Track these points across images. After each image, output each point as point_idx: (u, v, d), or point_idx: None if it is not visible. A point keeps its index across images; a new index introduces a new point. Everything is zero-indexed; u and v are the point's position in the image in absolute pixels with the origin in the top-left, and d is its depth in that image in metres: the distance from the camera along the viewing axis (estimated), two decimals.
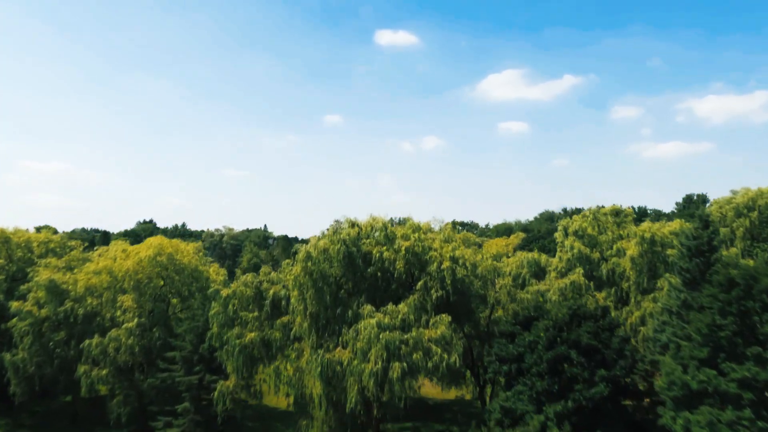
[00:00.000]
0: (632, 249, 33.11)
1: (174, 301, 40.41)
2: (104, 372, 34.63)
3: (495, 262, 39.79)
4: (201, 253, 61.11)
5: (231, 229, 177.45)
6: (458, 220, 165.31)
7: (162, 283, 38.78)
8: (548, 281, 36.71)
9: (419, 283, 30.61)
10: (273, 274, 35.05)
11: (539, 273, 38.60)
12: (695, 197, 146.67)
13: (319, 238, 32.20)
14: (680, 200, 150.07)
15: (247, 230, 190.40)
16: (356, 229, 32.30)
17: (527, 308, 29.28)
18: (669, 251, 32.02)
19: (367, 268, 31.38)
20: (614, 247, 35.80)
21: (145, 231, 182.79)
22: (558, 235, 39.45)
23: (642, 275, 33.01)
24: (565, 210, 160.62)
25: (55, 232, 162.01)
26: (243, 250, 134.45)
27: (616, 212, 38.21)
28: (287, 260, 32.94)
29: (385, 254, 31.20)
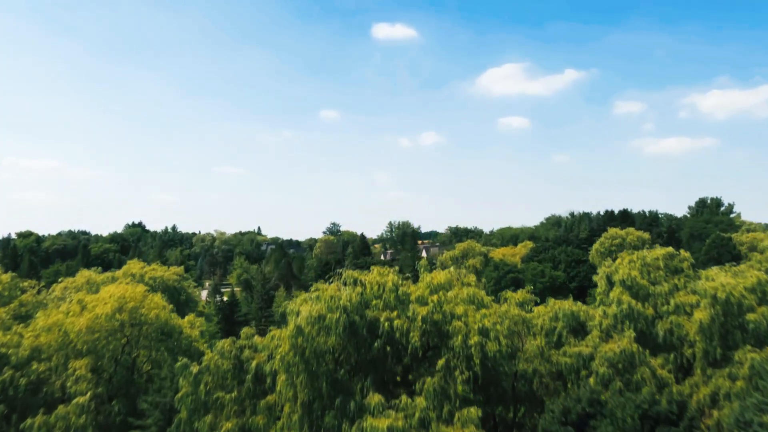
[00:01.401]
0: (702, 312, 26.80)
1: (142, 353, 33.96)
2: None
3: (522, 312, 33.57)
4: (182, 287, 54.67)
5: (222, 233, 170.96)
6: (461, 225, 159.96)
7: (125, 340, 32.31)
8: (590, 341, 30.37)
9: (440, 362, 24.26)
10: (257, 339, 28.71)
11: (577, 328, 32.32)
12: (709, 200, 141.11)
13: (312, 302, 25.77)
14: (692, 203, 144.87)
15: (240, 233, 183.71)
16: (359, 288, 25.85)
17: (580, 400, 22.90)
18: (749, 316, 25.72)
19: (373, 341, 24.99)
20: (671, 301, 29.47)
21: (132, 235, 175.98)
22: (599, 283, 33.10)
23: (713, 343, 26.73)
24: (572, 214, 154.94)
25: (38, 239, 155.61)
26: (233, 261, 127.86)
27: (670, 256, 31.85)
28: (273, 331, 26.47)
29: (396, 322, 24.82)
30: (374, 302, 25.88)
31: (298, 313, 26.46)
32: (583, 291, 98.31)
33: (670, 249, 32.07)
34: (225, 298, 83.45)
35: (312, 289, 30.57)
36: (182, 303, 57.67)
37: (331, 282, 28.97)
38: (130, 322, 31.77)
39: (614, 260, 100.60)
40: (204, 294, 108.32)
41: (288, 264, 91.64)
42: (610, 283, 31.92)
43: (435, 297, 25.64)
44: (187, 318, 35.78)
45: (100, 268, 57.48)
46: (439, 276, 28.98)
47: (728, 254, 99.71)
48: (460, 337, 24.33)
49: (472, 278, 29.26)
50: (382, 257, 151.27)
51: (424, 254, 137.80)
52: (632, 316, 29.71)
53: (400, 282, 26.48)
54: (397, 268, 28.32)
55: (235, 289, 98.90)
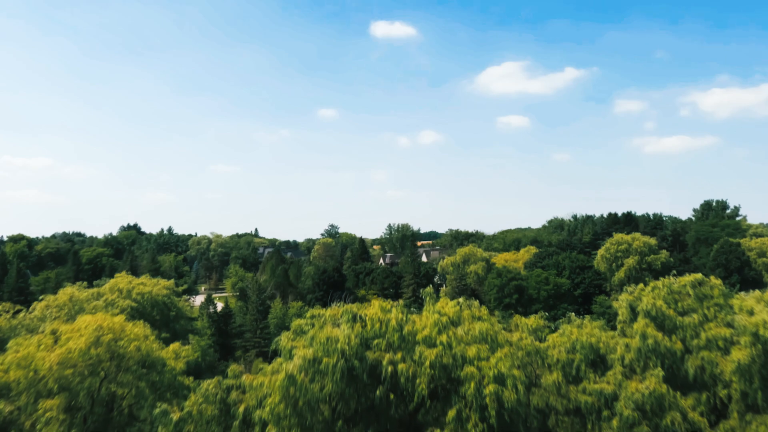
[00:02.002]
0: (741, 351, 24.13)
1: (122, 389, 31.18)
2: None
3: (536, 342, 30.94)
4: (173, 299, 51.84)
5: (219, 236, 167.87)
6: (462, 229, 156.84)
7: (103, 374, 29.54)
8: (612, 378, 27.73)
9: (450, 413, 21.57)
10: (245, 378, 25.96)
11: (597, 361, 29.66)
12: (714, 203, 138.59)
13: (307, 344, 23.06)
14: (694, 203, 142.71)
15: (237, 235, 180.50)
16: (359, 327, 23.11)
17: None
18: None
19: (375, 387, 22.26)
20: (702, 335, 26.76)
21: (127, 238, 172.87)
22: (620, 311, 30.40)
23: (753, 386, 24.07)
24: (575, 217, 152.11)
25: (30, 243, 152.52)
26: (229, 265, 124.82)
27: (699, 283, 29.15)
28: (261, 377, 23.70)
29: (401, 367, 22.13)
30: (376, 342, 23.18)
31: (291, 353, 23.93)
32: (588, 298, 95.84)
33: (699, 275, 29.35)
34: (220, 305, 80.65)
35: (308, 315, 28.03)
36: (172, 319, 54.90)
37: (330, 306, 26.59)
38: (107, 356, 29.00)
39: (620, 266, 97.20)
40: (199, 299, 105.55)
41: (284, 271, 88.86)
42: (633, 313, 29.24)
43: (444, 337, 22.91)
44: (171, 347, 32.99)
45: (85, 283, 54.56)
46: (447, 307, 26.31)
47: (737, 261, 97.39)
48: (473, 385, 21.62)
49: (485, 311, 26.55)
50: (381, 261, 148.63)
51: (424, 258, 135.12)
52: (659, 351, 27.03)
53: (404, 319, 23.75)
54: (401, 302, 25.65)
55: (229, 297, 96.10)
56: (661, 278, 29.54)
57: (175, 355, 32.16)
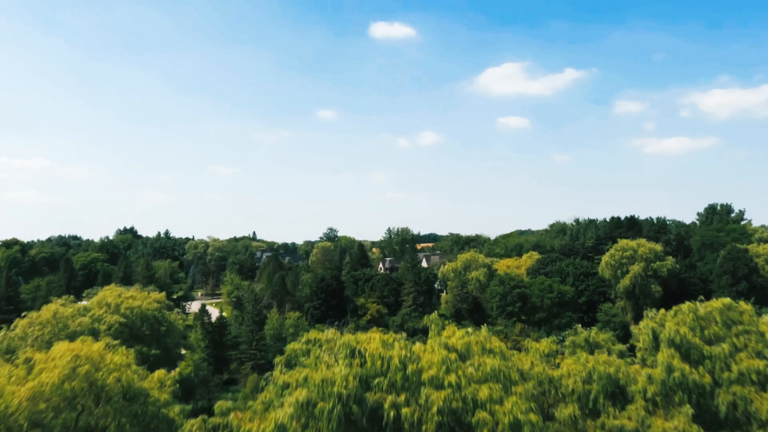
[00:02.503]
0: None
1: (101, 423, 28.85)
2: None
3: (549, 369, 28.68)
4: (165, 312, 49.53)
5: (216, 240, 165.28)
6: (463, 234, 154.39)
7: (80, 408, 27.22)
8: (634, 413, 25.43)
9: None
10: (233, 417, 23.66)
11: (615, 392, 27.36)
12: (719, 207, 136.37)
13: (301, 380, 20.77)
14: (697, 205, 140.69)
15: (234, 239, 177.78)
16: (357, 365, 20.84)
17: None
18: None
19: None
20: (734, 367, 24.49)
21: (123, 242, 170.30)
22: (641, 338, 28.15)
23: None
24: (577, 221, 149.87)
25: (23, 248, 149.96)
26: (226, 271, 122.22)
27: (728, 308, 26.86)
28: (248, 419, 21.41)
29: (404, 411, 19.87)
30: (377, 381, 20.86)
31: (282, 392, 21.72)
32: (592, 306, 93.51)
33: (728, 300, 27.07)
34: (215, 312, 78.26)
35: (303, 339, 25.86)
36: (163, 334, 52.52)
37: (327, 325, 24.23)
38: (85, 388, 26.67)
39: (625, 273, 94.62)
40: (195, 306, 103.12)
41: (282, 279, 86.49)
42: (656, 340, 26.96)
43: (452, 377, 20.61)
44: (156, 374, 30.62)
45: (72, 297, 52.17)
46: (454, 338, 24.05)
47: (744, 267, 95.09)
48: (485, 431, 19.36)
49: (495, 342, 24.25)
50: (381, 265, 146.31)
51: (424, 263, 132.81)
52: (685, 384, 24.72)
53: (407, 355, 21.45)
54: (404, 334, 23.38)
55: (225, 305, 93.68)
56: (687, 302, 27.28)
57: (160, 383, 29.79)
